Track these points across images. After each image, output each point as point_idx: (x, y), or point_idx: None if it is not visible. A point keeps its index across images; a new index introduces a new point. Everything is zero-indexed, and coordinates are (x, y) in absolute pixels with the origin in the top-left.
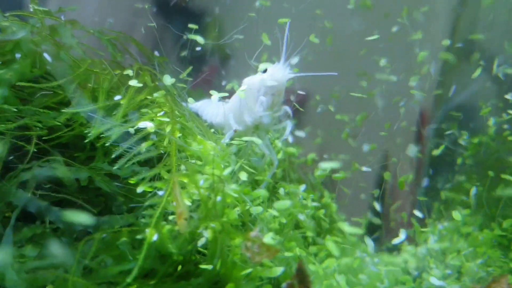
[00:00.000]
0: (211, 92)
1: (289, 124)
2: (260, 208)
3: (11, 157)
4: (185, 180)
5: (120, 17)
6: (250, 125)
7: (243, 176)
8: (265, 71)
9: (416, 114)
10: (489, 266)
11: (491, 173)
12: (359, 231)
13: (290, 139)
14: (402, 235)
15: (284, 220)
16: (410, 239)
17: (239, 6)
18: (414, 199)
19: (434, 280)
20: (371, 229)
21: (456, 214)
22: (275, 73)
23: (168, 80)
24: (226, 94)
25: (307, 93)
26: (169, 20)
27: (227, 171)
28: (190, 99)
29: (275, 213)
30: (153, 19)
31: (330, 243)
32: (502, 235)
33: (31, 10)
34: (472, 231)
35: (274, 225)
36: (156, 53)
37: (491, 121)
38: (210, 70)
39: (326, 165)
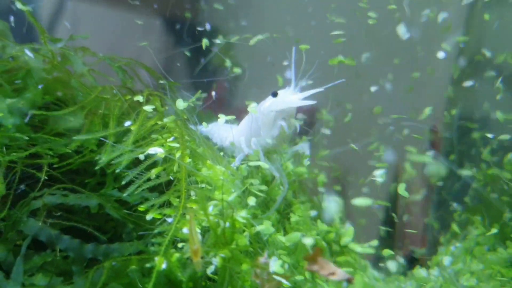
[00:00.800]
0: (219, 115)
1: (307, 146)
2: (269, 231)
3: (22, 186)
4: (195, 207)
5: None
6: (261, 149)
7: (251, 201)
8: (275, 95)
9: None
10: (504, 286)
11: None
12: (370, 250)
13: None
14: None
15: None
16: (423, 260)
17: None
18: (427, 217)
19: None
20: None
21: (472, 232)
22: (287, 97)
23: (181, 104)
24: (233, 117)
25: (315, 109)
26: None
27: (234, 197)
28: (204, 124)
29: (283, 239)
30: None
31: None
32: None
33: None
34: (486, 251)
35: (283, 251)
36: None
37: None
38: (219, 88)
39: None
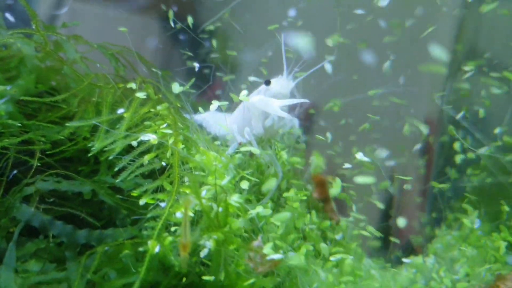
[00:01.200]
0: (213, 101)
1: (296, 122)
2: (265, 214)
3: (15, 172)
4: (188, 191)
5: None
6: (253, 138)
7: (244, 185)
8: (268, 83)
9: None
10: (497, 270)
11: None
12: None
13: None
14: None
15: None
16: (419, 250)
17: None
18: (422, 209)
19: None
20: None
21: (467, 221)
22: (279, 84)
23: (176, 88)
24: (226, 103)
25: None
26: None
27: (227, 180)
28: (200, 109)
29: (277, 223)
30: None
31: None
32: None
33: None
34: (480, 235)
35: (276, 234)
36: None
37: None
38: (214, 83)
39: (361, 180)
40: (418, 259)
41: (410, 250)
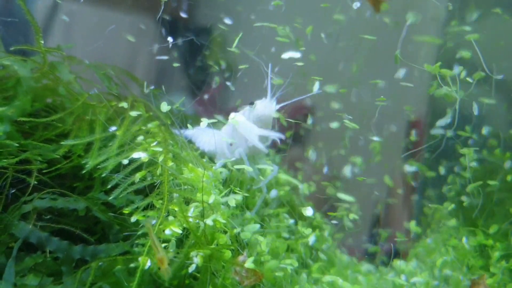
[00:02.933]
0: (202, 119)
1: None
2: (248, 233)
3: (13, 190)
4: (175, 209)
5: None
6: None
7: (232, 202)
8: (252, 104)
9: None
10: (473, 274)
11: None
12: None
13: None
14: None
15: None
16: (403, 254)
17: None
18: (408, 214)
19: None
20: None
21: (451, 222)
22: (262, 108)
23: (164, 108)
24: (215, 121)
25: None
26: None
27: (214, 198)
28: (189, 126)
29: (261, 238)
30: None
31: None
32: (484, 243)
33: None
34: (458, 242)
35: (261, 249)
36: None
37: None
38: (210, 93)
39: (344, 197)
40: (402, 263)
41: (395, 255)
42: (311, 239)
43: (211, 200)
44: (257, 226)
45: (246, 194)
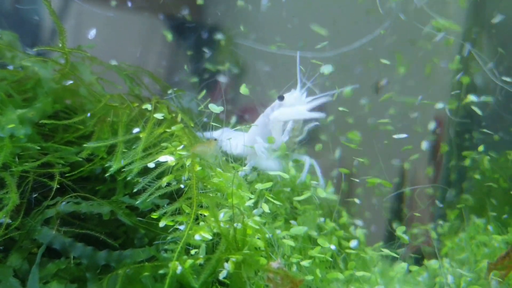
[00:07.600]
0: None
1: (307, 161)
2: (279, 234)
3: (35, 195)
4: (205, 214)
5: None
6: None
7: (266, 207)
8: (282, 98)
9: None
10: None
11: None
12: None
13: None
14: None
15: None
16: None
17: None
18: (433, 213)
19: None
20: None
21: (477, 222)
22: (292, 98)
23: (216, 108)
24: (242, 127)
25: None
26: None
27: (248, 203)
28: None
29: (291, 243)
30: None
31: None
32: None
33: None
34: (487, 238)
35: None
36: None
37: None
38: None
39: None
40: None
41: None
42: (353, 244)
43: (247, 203)
44: (305, 228)
45: (277, 202)
